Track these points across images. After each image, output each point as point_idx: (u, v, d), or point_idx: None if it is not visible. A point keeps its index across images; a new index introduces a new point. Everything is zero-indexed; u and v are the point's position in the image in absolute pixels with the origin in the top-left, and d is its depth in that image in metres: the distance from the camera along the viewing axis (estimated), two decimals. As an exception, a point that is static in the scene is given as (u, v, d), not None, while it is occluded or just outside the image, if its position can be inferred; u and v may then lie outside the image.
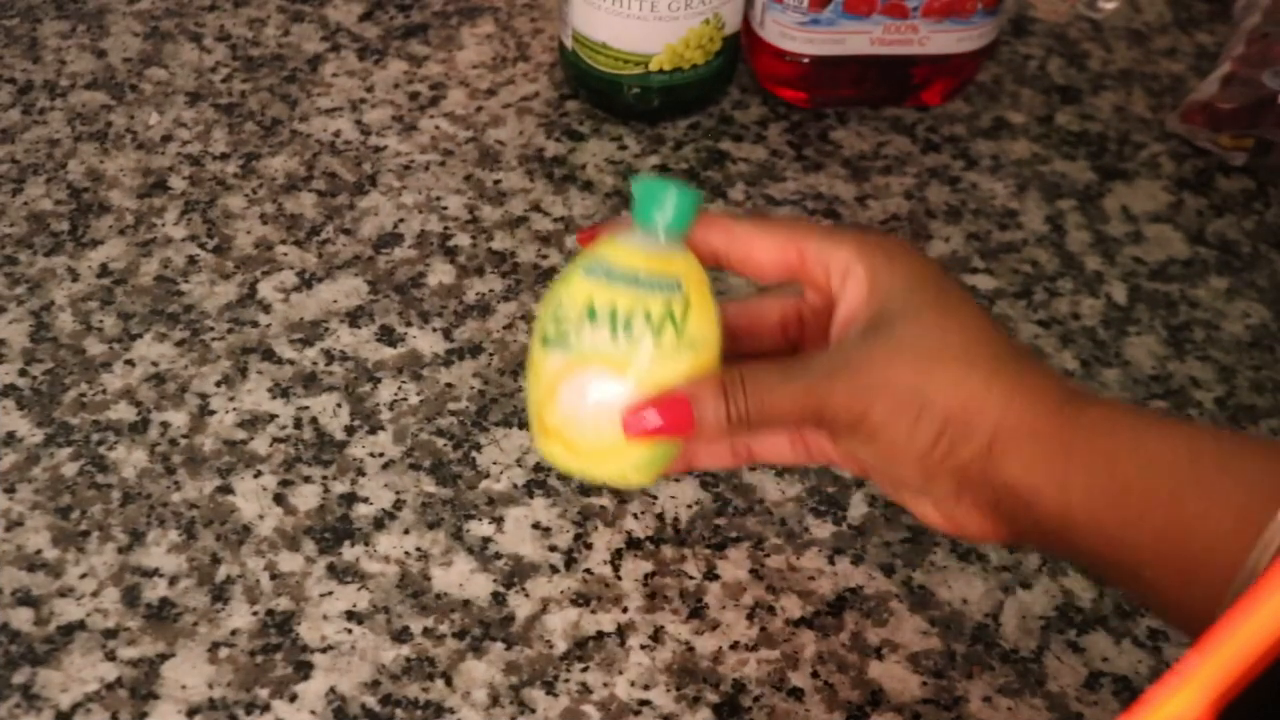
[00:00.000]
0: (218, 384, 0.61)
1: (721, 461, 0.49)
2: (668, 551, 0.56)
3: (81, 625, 0.53)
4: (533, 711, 0.51)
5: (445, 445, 0.59)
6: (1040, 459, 0.41)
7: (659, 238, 0.45)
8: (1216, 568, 0.39)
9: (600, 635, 0.53)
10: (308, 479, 0.57)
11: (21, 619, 0.53)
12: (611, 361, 0.44)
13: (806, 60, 0.72)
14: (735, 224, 0.46)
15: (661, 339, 0.44)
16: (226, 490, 0.57)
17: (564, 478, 0.58)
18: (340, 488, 0.57)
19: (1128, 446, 0.41)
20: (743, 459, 0.49)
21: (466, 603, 0.54)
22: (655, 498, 0.57)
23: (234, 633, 0.53)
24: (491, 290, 0.65)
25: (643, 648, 0.53)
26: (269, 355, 0.62)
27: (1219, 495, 0.39)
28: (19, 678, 0.51)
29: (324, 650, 0.52)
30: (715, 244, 0.46)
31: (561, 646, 0.53)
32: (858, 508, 0.58)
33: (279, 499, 0.57)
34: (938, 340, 0.43)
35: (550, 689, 0.51)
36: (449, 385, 0.61)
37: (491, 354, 0.62)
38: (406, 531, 0.56)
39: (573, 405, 0.45)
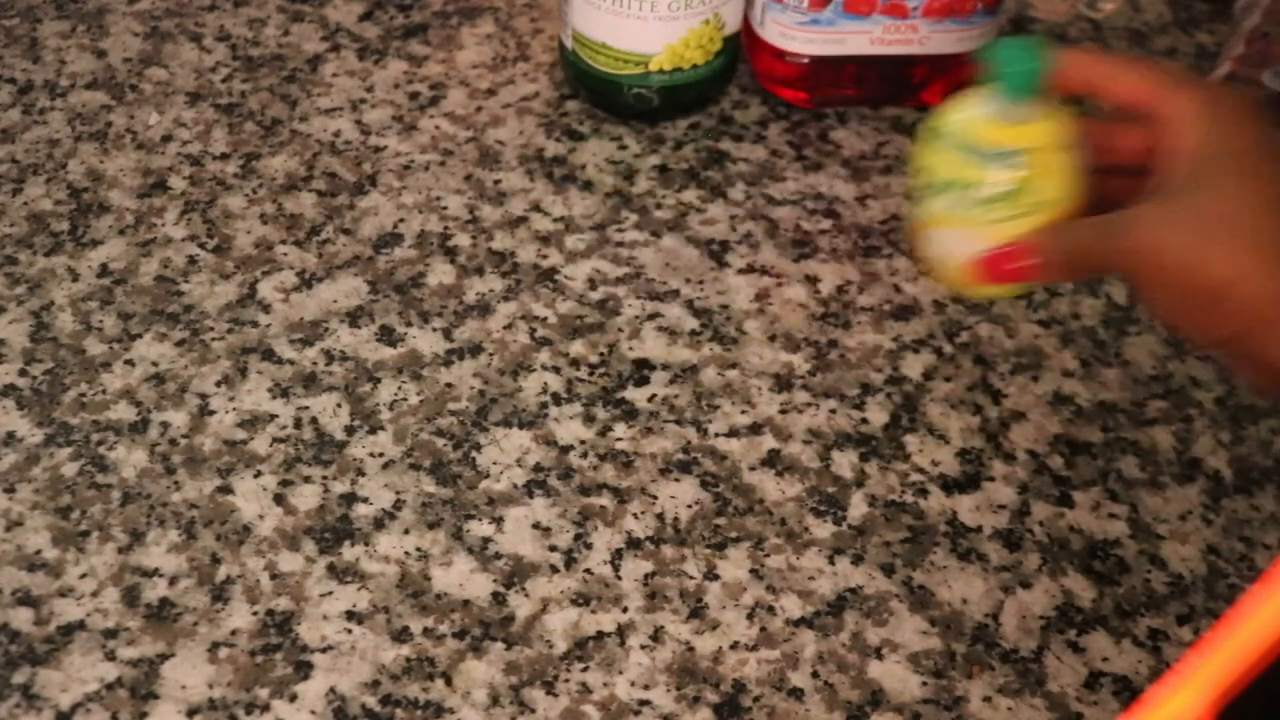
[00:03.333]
0: (218, 384, 0.61)
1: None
2: (668, 551, 0.56)
3: (81, 625, 0.53)
4: (533, 711, 0.51)
5: (445, 445, 0.59)
6: None
7: (1012, 103, 0.50)
8: None
9: (600, 635, 0.53)
10: (308, 479, 0.57)
11: (21, 619, 0.53)
12: (960, 224, 0.52)
13: (806, 60, 0.72)
14: (1096, 64, 0.49)
15: (1001, 205, 0.51)
16: (226, 490, 0.57)
17: (564, 477, 0.58)
18: (340, 488, 0.57)
19: None
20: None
21: (466, 603, 0.54)
22: (655, 498, 0.57)
23: (234, 633, 0.53)
24: (491, 290, 0.65)
25: (643, 648, 0.53)
26: (269, 355, 0.62)
27: None
28: (19, 678, 0.51)
29: (324, 650, 0.52)
30: (1082, 77, 0.50)
31: (561, 646, 0.53)
32: (858, 508, 0.58)
33: (279, 499, 0.57)
34: (1223, 211, 0.45)
35: (550, 689, 0.51)
36: (449, 385, 0.61)
37: (491, 354, 0.62)
38: (406, 531, 0.56)
39: (934, 251, 0.54)
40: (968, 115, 0.52)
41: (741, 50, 0.75)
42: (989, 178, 0.52)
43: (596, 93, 0.74)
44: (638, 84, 0.72)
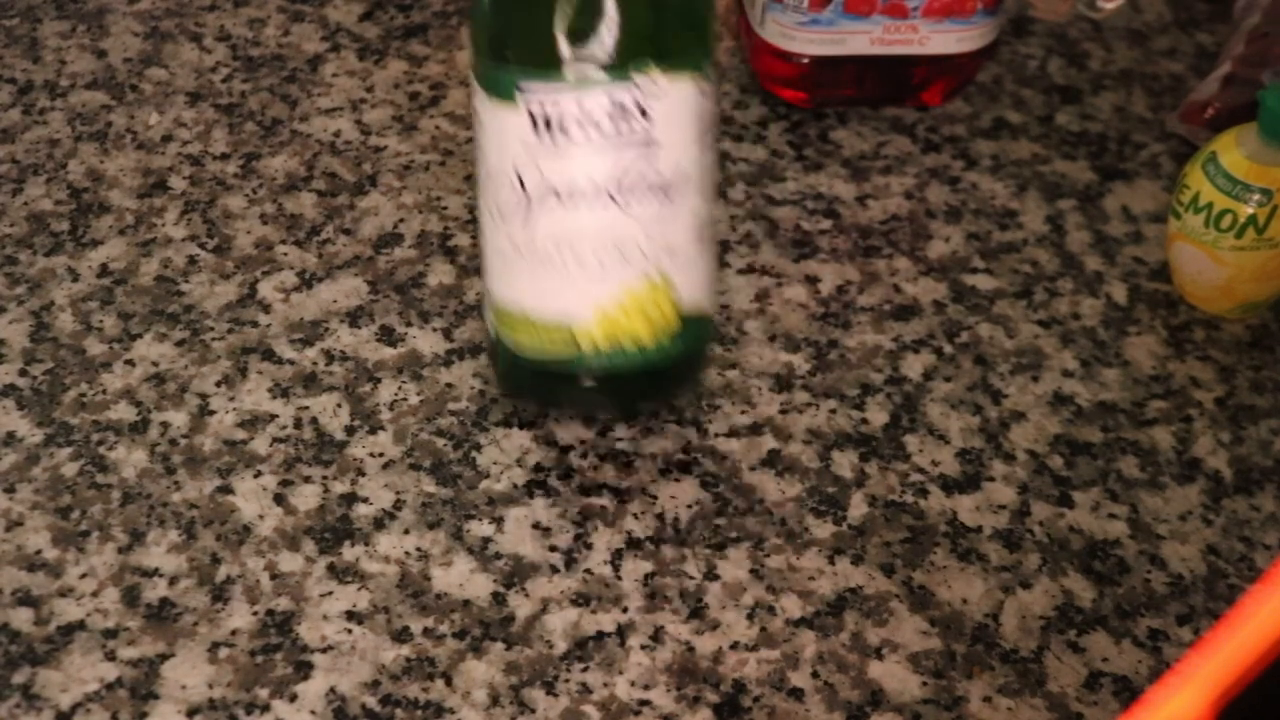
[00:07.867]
0: (218, 384, 0.61)
1: None
2: (668, 551, 0.56)
3: (81, 625, 0.53)
4: (533, 711, 0.51)
5: (445, 445, 0.59)
6: None
7: (1271, 145, 0.58)
8: None
9: (600, 635, 0.53)
10: (308, 479, 0.57)
11: (21, 619, 0.53)
12: (1201, 244, 0.61)
13: (806, 60, 0.72)
14: None
15: (1241, 236, 0.59)
16: (226, 490, 0.57)
17: (564, 477, 0.58)
18: (340, 488, 0.57)
19: None
20: None
21: (466, 603, 0.54)
22: (655, 498, 0.57)
23: (234, 633, 0.53)
24: (491, 290, 0.65)
25: (643, 648, 0.53)
26: (269, 355, 0.62)
27: None
28: (19, 678, 0.51)
29: (324, 650, 0.52)
30: None
31: (561, 646, 0.53)
32: (858, 508, 0.58)
33: (279, 499, 0.57)
34: None
35: (550, 689, 0.51)
36: (449, 385, 0.61)
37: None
38: (406, 531, 0.56)
39: (1175, 261, 0.64)
40: (1235, 147, 0.59)
41: (714, 327, 0.61)
42: (1236, 209, 0.59)
43: (535, 388, 0.59)
44: (574, 371, 0.57)
